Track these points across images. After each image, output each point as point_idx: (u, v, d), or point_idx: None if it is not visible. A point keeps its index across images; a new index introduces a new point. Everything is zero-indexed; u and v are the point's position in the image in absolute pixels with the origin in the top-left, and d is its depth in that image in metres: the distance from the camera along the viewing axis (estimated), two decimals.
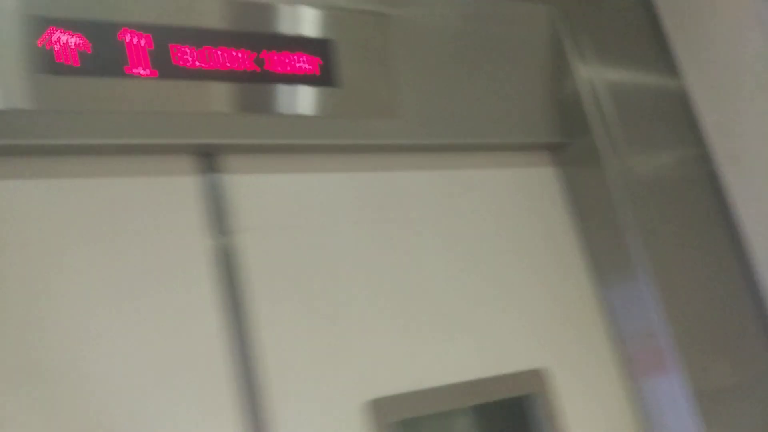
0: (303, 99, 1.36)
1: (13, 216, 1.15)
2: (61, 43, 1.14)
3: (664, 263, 1.51)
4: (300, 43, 1.36)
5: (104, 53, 1.17)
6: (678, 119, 1.69)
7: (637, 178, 1.57)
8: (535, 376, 1.45)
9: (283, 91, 1.34)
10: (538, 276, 1.57)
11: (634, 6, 1.79)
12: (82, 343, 1.13)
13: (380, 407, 1.28)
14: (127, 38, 1.18)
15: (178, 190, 1.29)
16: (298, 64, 1.35)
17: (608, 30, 1.72)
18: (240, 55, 1.29)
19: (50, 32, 1.13)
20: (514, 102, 1.61)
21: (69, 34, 1.15)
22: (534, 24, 1.65)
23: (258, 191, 1.35)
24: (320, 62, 1.38)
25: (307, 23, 1.39)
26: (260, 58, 1.31)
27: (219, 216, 1.31)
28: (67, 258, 1.16)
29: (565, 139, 1.66)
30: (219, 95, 1.28)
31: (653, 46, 1.76)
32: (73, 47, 1.15)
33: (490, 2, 1.61)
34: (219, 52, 1.27)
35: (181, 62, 1.23)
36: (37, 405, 1.07)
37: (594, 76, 1.64)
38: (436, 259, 1.47)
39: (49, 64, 1.13)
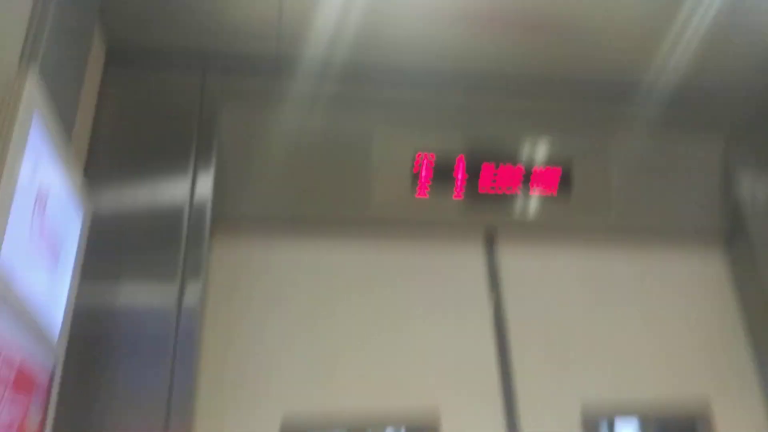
0: (545, 208, 2.20)
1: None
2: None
3: None
4: (541, 175, 2.19)
5: None
6: None
7: None
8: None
9: (535, 213, 2.18)
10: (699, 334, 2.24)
11: None
12: (404, 346, 2.02)
13: (591, 408, 2.03)
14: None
15: (470, 258, 2.17)
16: (547, 186, 2.18)
17: None
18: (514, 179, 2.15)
19: None
20: (691, 202, 2.32)
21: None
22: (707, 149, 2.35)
23: (520, 264, 2.20)
24: (559, 182, 2.19)
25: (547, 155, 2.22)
26: (527, 185, 2.16)
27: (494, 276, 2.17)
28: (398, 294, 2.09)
29: (729, 235, 2.32)
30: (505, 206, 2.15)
31: None
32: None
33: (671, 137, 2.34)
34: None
35: (482, 189, 2.12)
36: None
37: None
38: (629, 318, 2.22)
39: None
